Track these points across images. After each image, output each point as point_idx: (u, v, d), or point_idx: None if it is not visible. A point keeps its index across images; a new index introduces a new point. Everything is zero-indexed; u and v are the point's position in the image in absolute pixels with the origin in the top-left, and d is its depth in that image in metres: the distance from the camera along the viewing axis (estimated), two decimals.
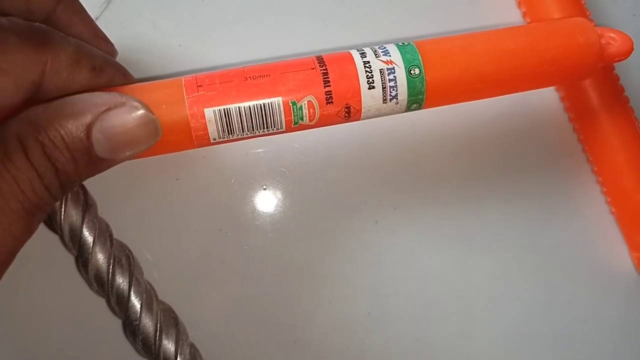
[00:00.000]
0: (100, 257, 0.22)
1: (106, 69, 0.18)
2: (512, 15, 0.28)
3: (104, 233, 0.23)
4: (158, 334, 0.23)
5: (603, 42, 0.22)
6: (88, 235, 0.22)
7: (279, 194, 0.26)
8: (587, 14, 0.27)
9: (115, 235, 0.24)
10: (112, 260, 0.22)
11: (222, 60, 0.26)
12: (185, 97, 0.18)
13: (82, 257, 0.22)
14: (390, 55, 0.20)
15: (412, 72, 0.20)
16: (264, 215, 0.26)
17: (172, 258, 0.25)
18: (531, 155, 0.28)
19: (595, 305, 0.27)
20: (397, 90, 0.20)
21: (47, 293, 0.24)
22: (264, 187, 0.26)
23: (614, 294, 0.28)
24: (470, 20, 0.28)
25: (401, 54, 0.20)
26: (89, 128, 0.16)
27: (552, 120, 0.28)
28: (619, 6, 0.28)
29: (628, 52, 0.22)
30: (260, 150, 0.26)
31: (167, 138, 0.18)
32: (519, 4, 0.28)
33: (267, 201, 0.26)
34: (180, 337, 0.23)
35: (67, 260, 0.24)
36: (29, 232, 0.16)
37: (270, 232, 0.26)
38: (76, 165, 0.16)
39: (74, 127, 0.16)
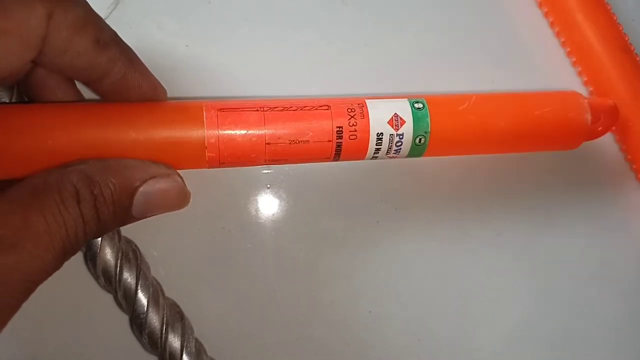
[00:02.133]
0: (108, 251, 0.23)
1: (111, 47, 0.18)
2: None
3: None
4: (164, 329, 0.23)
5: (592, 119, 0.24)
6: None
7: (282, 193, 0.26)
8: (626, 38, 0.28)
9: (121, 233, 0.24)
10: (120, 255, 0.23)
11: (227, 60, 0.27)
12: (207, 166, 0.20)
13: (90, 252, 0.23)
14: (398, 153, 0.22)
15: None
16: (267, 214, 0.26)
17: (178, 255, 0.25)
18: (531, 156, 0.28)
19: (597, 305, 0.28)
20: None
21: (53, 289, 0.24)
22: (268, 185, 0.26)
23: (615, 294, 0.28)
24: (468, 19, 0.29)
25: (409, 152, 0.22)
26: (134, 191, 0.18)
27: None
28: (618, 11, 0.28)
29: (611, 127, 0.25)
30: None
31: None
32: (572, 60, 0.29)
33: (270, 200, 0.26)
34: (186, 332, 0.23)
35: (74, 257, 0.24)
36: (56, 269, 0.17)
37: (273, 231, 0.26)
38: (114, 219, 0.18)
39: (123, 188, 0.18)
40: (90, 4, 0.20)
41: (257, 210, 0.26)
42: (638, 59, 0.27)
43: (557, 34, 0.29)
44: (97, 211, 0.17)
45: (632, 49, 0.27)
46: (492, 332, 0.27)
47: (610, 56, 0.27)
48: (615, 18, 0.28)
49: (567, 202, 0.28)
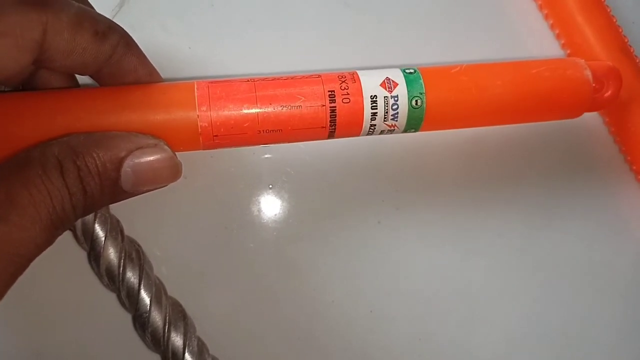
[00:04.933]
0: (112, 251, 0.23)
1: (110, 36, 0.18)
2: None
3: (115, 228, 0.23)
4: (167, 327, 0.23)
5: (595, 86, 0.23)
6: (100, 230, 0.23)
7: (284, 193, 0.27)
8: (626, 40, 0.28)
9: (125, 232, 0.24)
10: (123, 255, 0.23)
11: (230, 62, 0.27)
12: (201, 142, 0.20)
13: (94, 252, 0.23)
14: (397, 119, 0.21)
15: (408, 131, 0.22)
16: (269, 214, 0.26)
17: (180, 254, 0.26)
18: (530, 156, 0.28)
19: (597, 305, 0.28)
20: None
21: (58, 287, 0.25)
22: (270, 186, 0.27)
23: (615, 294, 0.28)
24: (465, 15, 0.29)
25: (408, 118, 0.21)
26: (121, 162, 0.18)
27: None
28: (619, 14, 0.28)
29: (619, 90, 0.24)
30: (266, 149, 0.27)
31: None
32: (557, 34, 0.29)
33: (272, 200, 0.27)
34: (188, 330, 0.23)
35: (78, 255, 0.25)
36: (48, 243, 0.17)
37: (275, 230, 0.26)
38: (102, 192, 0.17)
39: (108, 159, 0.17)
40: (95, 7, 0.21)
41: (259, 210, 0.26)
42: (638, 60, 0.28)
43: (558, 36, 0.29)
44: (82, 182, 0.17)
45: (631, 50, 0.28)
46: (492, 332, 0.27)
47: (610, 58, 0.27)
48: (615, 20, 0.28)
49: (566, 203, 0.28)
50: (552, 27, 0.29)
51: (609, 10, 0.28)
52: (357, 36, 0.28)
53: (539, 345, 0.27)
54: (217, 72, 0.27)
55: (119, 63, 0.19)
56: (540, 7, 0.29)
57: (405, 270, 0.27)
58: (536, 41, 0.29)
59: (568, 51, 0.29)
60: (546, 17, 0.29)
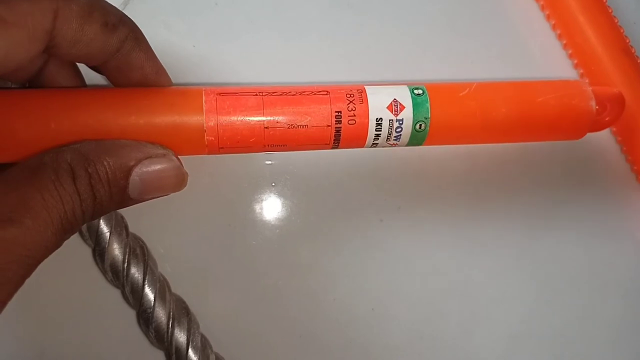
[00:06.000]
0: (116, 247, 0.23)
1: (119, 28, 0.19)
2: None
3: (119, 224, 0.23)
4: (170, 323, 0.23)
5: (598, 108, 0.23)
6: (105, 226, 0.23)
7: (286, 191, 0.27)
8: (628, 41, 0.28)
9: (129, 230, 0.25)
10: (127, 251, 0.23)
11: (234, 61, 0.27)
12: (207, 152, 0.20)
13: (99, 247, 0.23)
14: (399, 140, 0.21)
15: (408, 146, 0.22)
16: (272, 212, 0.27)
17: (184, 252, 0.26)
18: (531, 157, 0.28)
19: (597, 306, 0.28)
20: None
21: (62, 283, 0.25)
22: (273, 184, 0.27)
23: (615, 295, 0.28)
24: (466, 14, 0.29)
25: (410, 139, 0.22)
26: (130, 170, 0.18)
27: None
28: (619, 14, 0.28)
29: (619, 116, 0.24)
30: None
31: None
32: (570, 55, 0.30)
33: (275, 198, 0.27)
34: (191, 327, 0.24)
35: (83, 251, 0.25)
36: (56, 246, 0.17)
37: (278, 229, 0.27)
38: (110, 199, 0.18)
39: (118, 167, 0.18)
40: None
41: (262, 208, 0.27)
42: (639, 61, 0.28)
43: (559, 37, 0.29)
44: (92, 189, 0.17)
45: (633, 51, 0.28)
46: (493, 332, 0.27)
47: (611, 59, 0.27)
48: (616, 21, 0.28)
49: (568, 203, 0.28)
50: (554, 27, 0.30)
51: (610, 11, 0.28)
52: (358, 36, 0.28)
53: (539, 345, 0.27)
54: (221, 71, 0.27)
55: (126, 58, 0.19)
56: (542, 8, 0.30)
57: (406, 269, 0.27)
58: (537, 42, 0.30)
59: (570, 51, 0.29)
60: (548, 17, 0.30)
